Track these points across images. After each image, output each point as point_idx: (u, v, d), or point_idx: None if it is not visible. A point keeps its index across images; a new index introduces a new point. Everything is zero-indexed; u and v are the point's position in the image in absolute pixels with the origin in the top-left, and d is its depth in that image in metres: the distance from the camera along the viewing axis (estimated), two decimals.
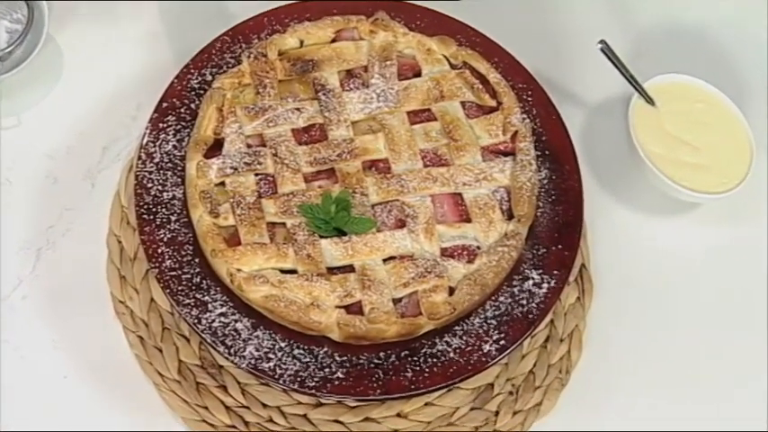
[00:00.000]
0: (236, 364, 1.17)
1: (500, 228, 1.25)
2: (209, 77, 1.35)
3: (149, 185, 1.27)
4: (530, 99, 1.36)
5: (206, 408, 1.23)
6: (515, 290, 1.23)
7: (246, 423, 1.22)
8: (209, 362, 1.25)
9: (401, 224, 1.25)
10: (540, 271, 1.24)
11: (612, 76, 1.40)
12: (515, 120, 1.31)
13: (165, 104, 1.32)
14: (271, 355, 1.18)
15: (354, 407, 1.23)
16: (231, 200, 1.25)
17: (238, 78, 1.33)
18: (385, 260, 1.22)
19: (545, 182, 1.30)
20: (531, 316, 1.21)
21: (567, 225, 1.27)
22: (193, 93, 1.34)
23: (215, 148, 1.29)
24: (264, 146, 1.29)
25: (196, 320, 1.19)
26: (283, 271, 1.21)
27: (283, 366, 1.17)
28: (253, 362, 1.17)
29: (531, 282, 1.24)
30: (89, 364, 1.25)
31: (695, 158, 1.35)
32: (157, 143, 1.30)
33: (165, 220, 1.25)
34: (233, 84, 1.33)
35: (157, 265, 1.22)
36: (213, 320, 1.19)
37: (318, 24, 1.37)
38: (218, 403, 1.23)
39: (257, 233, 1.23)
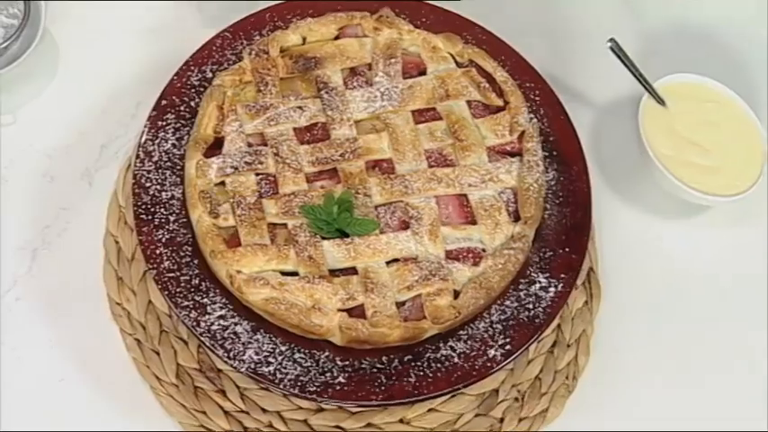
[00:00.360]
0: (235, 368, 1.17)
1: (506, 230, 1.24)
2: (210, 74, 1.34)
3: (148, 185, 1.27)
4: (537, 98, 1.36)
5: (204, 413, 1.22)
6: (521, 294, 1.23)
7: (246, 428, 1.22)
8: (207, 366, 1.24)
9: (405, 226, 1.24)
10: (547, 274, 1.24)
11: (622, 76, 1.39)
12: (522, 119, 1.31)
13: (164, 102, 1.32)
14: (271, 359, 1.17)
15: (356, 412, 1.23)
16: (231, 200, 1.24)
17: (239, 75, 1.33)
18: (388, 262, 1.22)
19: (552, 183, 1.30)
20: (537, 320, 1.21)
21: (575, 227, 1.27)
22: (193, 90, 1.33)
23: (215, 146, 1.29)
24: (266, 145, 1.29)
25: (195, 323, 1.18)
26: (284, 273, 1.21)
27: (284, 371, 1.17)
28: (252, 366, 1.16)
29: (537, 285, 1.23)
30: (86, 366, 1.25)
31: (706, 160, 1.35)
32: (156, 141, 1.30)
33: (163, 220, 1.25)
34: (234, 81, 1.32)
35: (155, 266, 1.21)
36: (212, 323, 1.19)
37: (321, 21, 1.37)
38: (216, 408, 1.22)
39: (258, 234, 1.22)
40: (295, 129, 1.30)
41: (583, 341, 1.28)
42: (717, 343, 1.31)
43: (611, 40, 1.39)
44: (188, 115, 1.31)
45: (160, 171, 1.27)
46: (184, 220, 1.25)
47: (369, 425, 1.22)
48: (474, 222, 1.25)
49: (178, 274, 1.21)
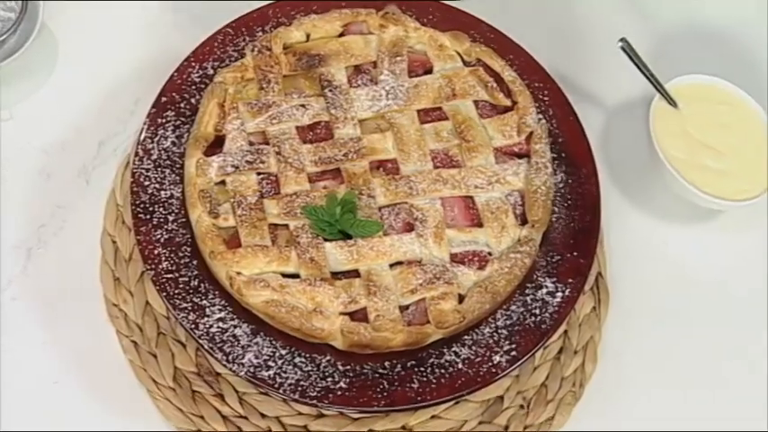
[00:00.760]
0: (234, 371, 1.16)
1: (513, 233, 1.24)
2: (211, 71, 1.34)
3: (146, 183, 1.26)
4: (546, 99, 1.35)
5: (202, 417, 1.22)
6: (528, 298, 1.22)
7: None
8: (205, 369, 1.24)
9: (409, 228, 1.24)
10: (555, 279, 1.23)
11: (633, 76, 1.39)
12: (530, 120, 1.30)
13: (164, 99, 1.32)
14: (271, 363, 1.16)
15: (357, 419, 1.22)
16: (232, 200, 1.24)
17: (241, 72, 1.33)
18: (392, 265, 1.21)
19: (561, 186, 1.30)
20: (543, 326, 1.20)
21: (584, 231, 1.27)
22: (194, 87, 1.33)
23: (215, 145, 1.28)
24: (267, 144, 1.28)
25: (193, 325, 1.18)
26: (285, 275, 1.20)
27: (284, 375, 1.16)
28: (252, 370, 1.16)
29: (544, 290, 1.23)
30: (81, 368, 1.24)
31: (719, 163, 1.34)
32: (155, 139, 1.29)
33: (162, 219, 1.24)
34: (235, 78, 1.32)
35: (153, 266, 1.21)
36: (211, 326, 1.18)
37: (326, 17, 1.37)
38: (214, 412, 1.22)
39: (258, 235, 1.22)
40: (298, 127, 1.29)
41: (590, 348, 1.28)
42: (729, 352, 1.30)
43: (623, 39, 1.39)
44: (188, 113, 1.31)
45: (159, 169, 1.27)
46: (183, 219, 1.24)
47: (370, 431, 1.21)
48: (480, 225, 1.24)
49: (177, 274, 1.20)
